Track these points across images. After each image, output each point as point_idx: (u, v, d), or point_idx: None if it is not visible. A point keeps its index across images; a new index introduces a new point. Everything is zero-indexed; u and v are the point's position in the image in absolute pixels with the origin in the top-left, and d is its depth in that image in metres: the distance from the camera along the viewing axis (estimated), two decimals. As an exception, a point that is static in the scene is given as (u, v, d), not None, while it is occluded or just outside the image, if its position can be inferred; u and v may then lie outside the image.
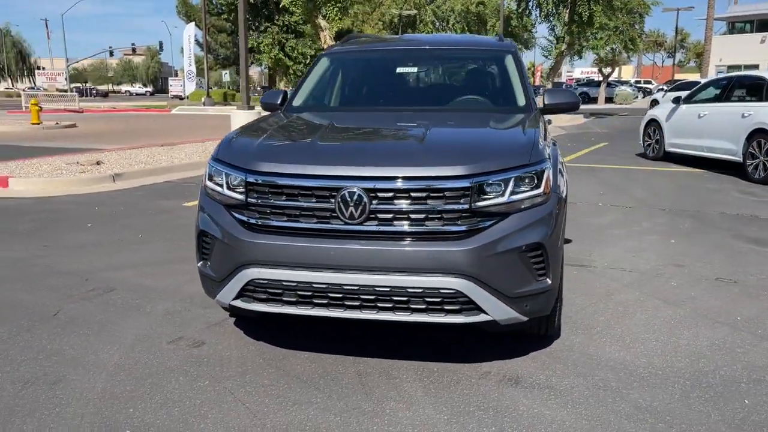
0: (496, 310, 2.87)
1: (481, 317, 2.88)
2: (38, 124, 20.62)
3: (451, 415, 2.73)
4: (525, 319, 3.00)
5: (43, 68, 73.05)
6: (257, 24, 40.36)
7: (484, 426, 2.64)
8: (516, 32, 34.49)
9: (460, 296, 2.82)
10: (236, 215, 3.03)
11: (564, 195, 3.27)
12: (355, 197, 2.81)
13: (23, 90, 47.83)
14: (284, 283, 2.92)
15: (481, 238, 2.82)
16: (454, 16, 39.29)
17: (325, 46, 17.59)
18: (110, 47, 72.78)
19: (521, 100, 4.08)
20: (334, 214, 2.86)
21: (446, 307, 2.87)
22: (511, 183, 2.89)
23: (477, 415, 2.73)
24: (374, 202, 2.82)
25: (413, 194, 2.82)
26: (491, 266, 2.82)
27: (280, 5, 23.31)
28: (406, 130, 3.59)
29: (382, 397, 2.87)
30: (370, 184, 2.82)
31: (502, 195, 2.87)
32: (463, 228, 2.83)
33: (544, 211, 2.97)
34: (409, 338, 3.48)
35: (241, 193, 3.02)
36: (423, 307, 2.87)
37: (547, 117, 4.12)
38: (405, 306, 2.87)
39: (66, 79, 54.96)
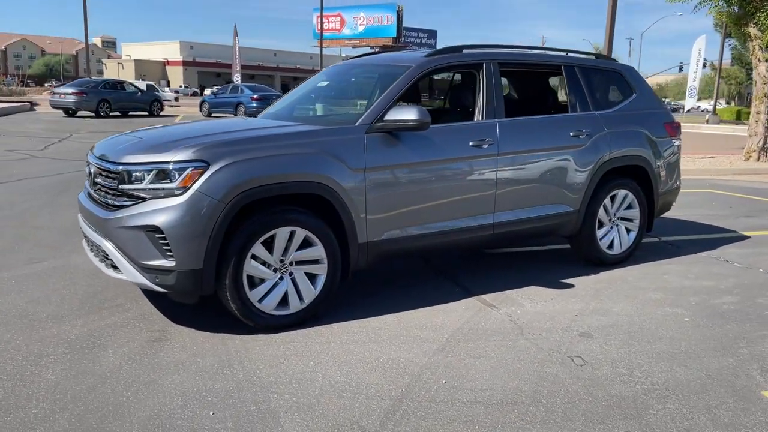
0: (128, 272, 3.64)
1: (122, 276, 3.69)
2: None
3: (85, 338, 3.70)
4: (159, 289, 3.61)
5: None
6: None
7: (75, 354, 3.55)
8: None
9: (108, 256, 3.72)
10: None
11: None
12: (90, 171, 4.02)
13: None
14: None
15: (120, 212, 3.63)
16: None
17: (754, 58, 15.03)
18: (681, 63, 72.40)
19: (360, 116, 4.16)
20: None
21: (111, 263, 3.78)
22: (151, 175, 3.58)
23: (81, 346, 3.61)
24: (97, 177, 3.96)
25: (102, 174, 3.85)
26: (123, 236, 3.61)
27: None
28: (170, 132, 4.31)
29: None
30: (95, 163, 3.98)
31: (141, 182, 3.60)
32: (114, 203, 3.70)
33: (175, 201, 3.51)
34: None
35: None
36: (109, 261, 3.85)
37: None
38: (104, 258, 3.90)
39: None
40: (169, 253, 3.53)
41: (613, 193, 5.28)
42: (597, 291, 4.71)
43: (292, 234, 3.81)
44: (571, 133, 4.97)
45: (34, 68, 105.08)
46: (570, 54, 5.37)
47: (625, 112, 5.41)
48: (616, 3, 13.68)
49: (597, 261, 5.34)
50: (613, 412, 2.93)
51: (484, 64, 4.68)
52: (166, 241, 3.52)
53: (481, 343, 3.70)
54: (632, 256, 5.53)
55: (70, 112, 26.59)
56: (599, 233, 5.28)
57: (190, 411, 2.88)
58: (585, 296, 4.58)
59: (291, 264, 3.87)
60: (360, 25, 77.22)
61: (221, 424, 2.78)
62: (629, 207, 5.43)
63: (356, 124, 4.08)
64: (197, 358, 3.43)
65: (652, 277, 5.09)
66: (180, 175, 3.54)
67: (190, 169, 3.54)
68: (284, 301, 3.86)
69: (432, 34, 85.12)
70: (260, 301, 3.78)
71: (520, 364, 3.42)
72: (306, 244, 3.88)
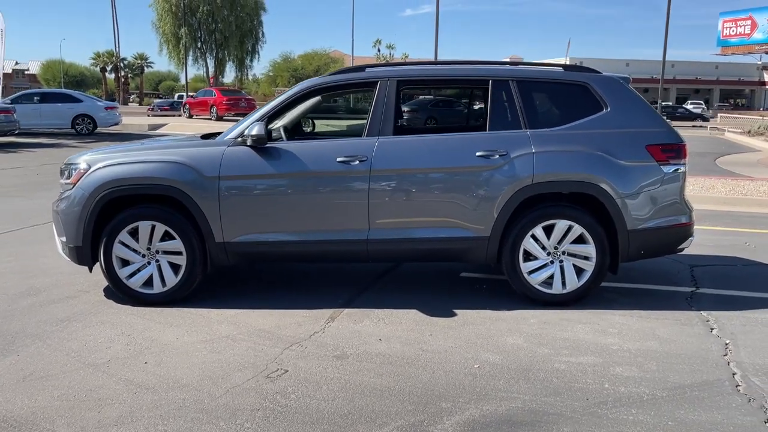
0: (57, 244, 5.03)
1: (56, 246, 5.09)
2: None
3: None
4: (66, 258, 4.90)
5: None
6: None
7: (20, 290, 5.09)
8: None
9: (55, 230, 5.16)
10: None
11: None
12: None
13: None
14: None
15: (56, 199, 5.02)
16: None
17: None
18: None
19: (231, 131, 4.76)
20: None
21: (60, 235, 5.22)
22: (66, 173, 4.90)
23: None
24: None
25: None
26: (53, 217, 5.01)
27: None
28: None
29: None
30: None
31: (62, 178, 4.93)
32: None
33: (68, 193, 4.78)
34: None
35: None
36: (64, 233, 5.31)
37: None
38: None
39: None
40: (65, 232, 4.79)
41: (548, 223, 4.63)
42: (461, 325, 4.35)
43: (153, 227, 4.67)
44: (478, 153, 4.59)
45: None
46: (515, 66, 4.85)
47: (579, 130, 4.66)
48: None
49: (528, 299, 4.75)
50: (191, 416, 3.12)
51: (379, 83, 4.74)
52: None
53: (240, 344, 4.02)
54: (584, 297, 4.73)
55: (406, 126, 30.66)
56: (526, 266, 4.69)
57: (-14, 340, 4.07)
58: (435, 327, 4.31)
59: (158, 252, 4.73)
60: (776, 27, 66.73)
61: (-20, 351, 3.90)
62: (580, 241, 4.66)
63: (225, 138, 4.73)
64: (61, 311, 4.61)
65: (555, 324, 4.37)
66: (72, 173, 4.76)
67: (78, 170, 4.73)
68: (150, 282, 4.75)
69: None
70: (128, 278, 4.75)
71: (227, 365, 3.71)
72: (169, 237, 4.70)
